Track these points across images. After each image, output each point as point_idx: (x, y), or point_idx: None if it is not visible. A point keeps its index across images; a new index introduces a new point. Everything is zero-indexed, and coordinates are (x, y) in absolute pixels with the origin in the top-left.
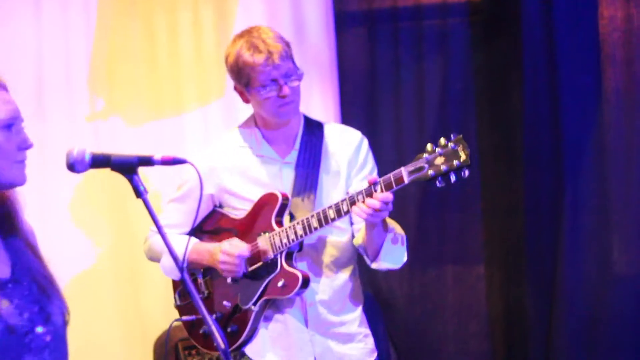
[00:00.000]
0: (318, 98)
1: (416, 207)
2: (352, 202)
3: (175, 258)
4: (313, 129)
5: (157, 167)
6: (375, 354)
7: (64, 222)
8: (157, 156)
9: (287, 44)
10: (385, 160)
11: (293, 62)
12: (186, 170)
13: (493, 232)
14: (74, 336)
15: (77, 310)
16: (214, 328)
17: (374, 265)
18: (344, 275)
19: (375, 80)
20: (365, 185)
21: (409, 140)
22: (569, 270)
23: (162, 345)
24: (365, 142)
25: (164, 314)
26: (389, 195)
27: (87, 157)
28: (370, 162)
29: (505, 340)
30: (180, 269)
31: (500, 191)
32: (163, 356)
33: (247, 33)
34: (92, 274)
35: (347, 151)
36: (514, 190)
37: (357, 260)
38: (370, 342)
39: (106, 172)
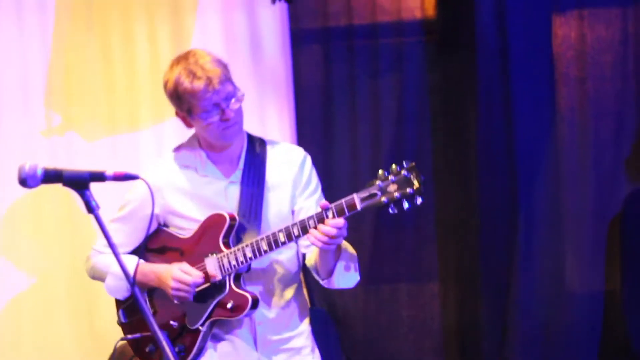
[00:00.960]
0: (274, 115)
1: (370, 225)
2: (303, 227)
3: (126, 274)
4: (256, 147)
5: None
6: None
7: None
8: (109, 172)
9: (225, 67)
10: (340, 177)
11: (232, 84)
12: (129, 189)
13: (447, 249)
14: (27, 348)
15: (31, 324)
16: (164, 344)
17: (325, 285)
18: (291, 291)
19: (331, 97)
20: (316, 209)
21: (365, 157)
22: (523, 286)
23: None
24: (309, 159)
25: (118, 330)
26: (340, 221)
27: (39, 172)
28: (315, 179)
29: (459, 356)
30: (131, 284)
31: (455, 208)
32: None
33: (183, 59)
34: (45, 290)
35: (291, 169)
36: (468, 206)
37: (306, 277)
38: (317, 356)
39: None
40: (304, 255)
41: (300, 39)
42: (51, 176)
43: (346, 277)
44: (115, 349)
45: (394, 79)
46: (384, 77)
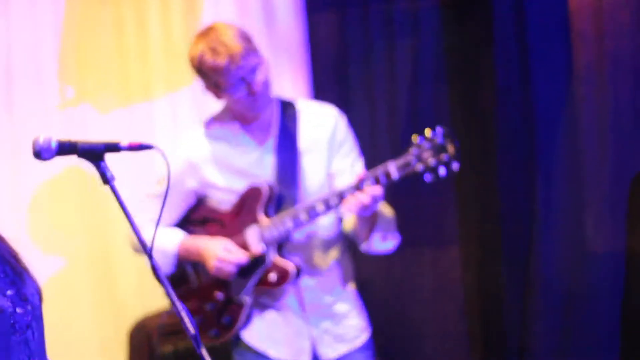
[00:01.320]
0: (289, 82)
1: (390, 189)
2: (341, 197)
3: (143, 244)
4: (288, 113)
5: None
6: (369, 331)
7: (38, 213)
8: (124, 142)
9: (247, 39)
10: (358, 141)
11: (256, 55)
12: (167, 163)
13: (468, 213)
14: (48, 324)
15: (50, 298)
16: (184, 314)
17: (364, 248)
18: (334, 254)
19: (347, 63)
20: (352, 170)
21: (382, 122)
22: (543, 249)
23: (137, 333)
24: (342, 120)
25: (138, 304)
26: (377, 190)
27: (54, 145)
28: (349, 139)
29: (481, 320)
30: (149, 255)
31: (474, 171)
32: (138, 343)
33: (205, 36)
34: (66, 266)
35: (324, 131)
36: (487, 169)
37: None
38: (363, 317)
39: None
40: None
41: (315, 5)
42: (66, 148)
43: (383, 244)
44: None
45: (409, 44)
46: (399, 42)
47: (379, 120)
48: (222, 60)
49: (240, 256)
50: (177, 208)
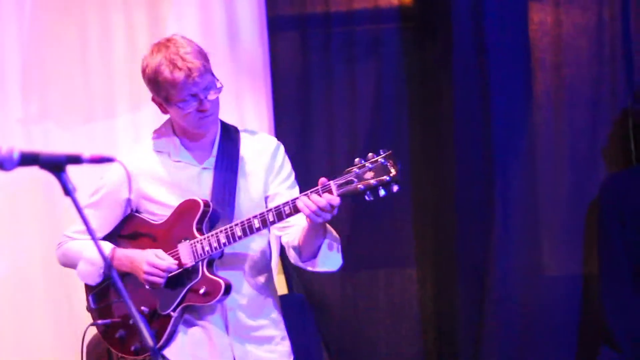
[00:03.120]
0: (251, 102)
1: (347, 210)
2: (278, 213)
3: (104, 257)
4: (230, 135)
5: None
6: (292, 358)
7: None
8: (86, 154)
9: (205, 57)
10: (317, 163)
11: (212, 74)
12: (103, 175)
13: (424, 234)
14: (3, 334)
15: (8, 310)
16: (142, 326)
17: (309, 267)
18: (262, 278)
19: (308, 84)
20: (289, 195)
21: (342, 144)
22: (500, 268)
23: (95, 346)
24: (282, 147)
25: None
26: (334, 198)
27: (16, 155)
28: (288, 166)
29: (436, 339)
30: (108, 267)
31: (431, 193)
32: (96, 357)
33: (164, 47)
34: (23, 274)
35: (264, 158)
36: (444, 192)
37: (285, 263)
38: (286, 344)
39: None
40: (279, 237)
41: (278, 25)
42: (28, 158)
43: (330, 259)
44: (84, 335)
45: (371, 66)
46: (361, 64)
47: (338, 142)
48: (179, 75)
49: (171, 261)
50: (110, 219)
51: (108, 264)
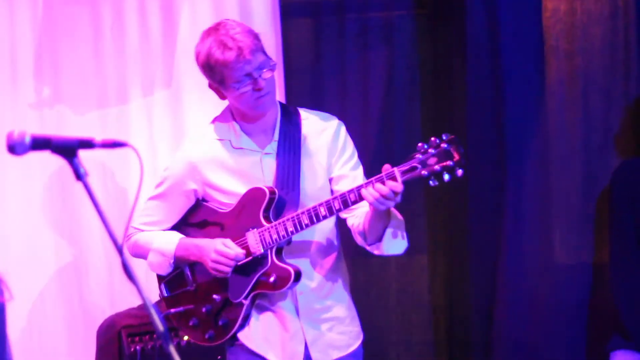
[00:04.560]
0: None
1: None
2: (344, 200)
3: (118, 248)
4: (290, 118)
5: None
6: (361, 338)
7: (5, 212)
8: (98, 139)
9: (256, 37)
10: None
11: (264, 53)
12: (168, 165)
13: (436, 222)
14: (16, 323)
15: (19, 296)
16: (152, 311)
17: (375, 251)
18: (331, 260)
19: (321, 71)
20: (352, 176)
21: (355, 130)
22: (511, 259)
23: (105, 331)
24: (343, 127)
25: (107, 303)
26: (398, 185)
27: (28, 139)
28: (350, 146)
29: (447, 329)
30: (119, 251)
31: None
32: (106, 342)
33: (214, 30)
34: (35, 264)
35: (325, 138)
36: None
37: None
38: (356, 324)
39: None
40: (345, 220)
41: (290, 12)
42: (39, 143)
43: (395, 244)
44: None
45: (383, 53)
46: (374, 51)
47: (351, 129)
48: (230, 54)
49: (238, 251)
50: (177, 209)
51: (119, 247)
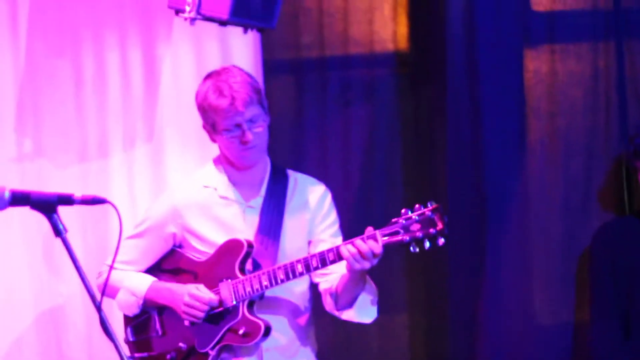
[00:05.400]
0: None
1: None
2: (322, 259)
3: (89, 290)
4: (279, 176)
5: None
6: None
7: None
8: (77, 195)
9: (255, 89)
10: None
11: (261, 106)
12: (150, 206)
13: (416, 281)
14: None
15: None
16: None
17: (344, 316)
18: (301, 321)
19: (303, 127)
20: (333, 242)
21: (336, 189)
22: (491, 318)
23: None
24: (329, 195)
25: (85, 357)
26: (377, 246)
27: (7, 195)
28: (333, 214)
29: None
30: (97, 308)
31: None
32: None
33: (216, 74)
34: (13, 314)
35: (311, 202)
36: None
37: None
38: None
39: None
40: (317, 284)
41: (273, 69)
42: (18, 198)
43: (367, 311)
44: None
45: (365, 110)
46: (355, 108)
47: (332, 186)
48: (223, 102)
49: (212, 296)
50: (153, 251)
51: (98, 304)
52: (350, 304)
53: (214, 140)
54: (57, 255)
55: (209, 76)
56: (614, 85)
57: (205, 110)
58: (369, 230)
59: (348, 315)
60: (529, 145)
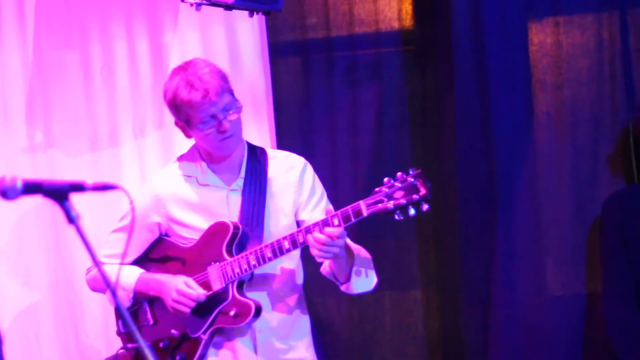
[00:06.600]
0: (254, 128)
1: (351, 234)
2: (308, 233)
3: (107, 282)
4: (257, 156)
5: None
6: None
7: (1, 255)
8: (89, 182)
9: (224, 78)
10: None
11: (231, 95)
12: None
13: (428, 256)
14: None
15: (15, 338)
16: (147, 352)
17: (345, 290)
18: (292, 300)
19: (310, 109)
20: (322, 215)
21: (344, 168)
22: (503, 292)
23: None
24: (309, 167)
25: (102, 345)
26: (335, 231)
27: (19, 184)
28: (318, 188)
29: None
30: (112, 293)
31: (435, 216)
32: None
33: (182, 70)
34: (31, 307)
35: (292, 177)
36: (447, 214)
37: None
38: None
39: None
40: (319, 265)
41: (279, 51)
42: (31, 187)
43: (363, 282)
44: (117, 357)
45: (372, 90)
46: (362, 88)
47: (341, 166)
48: (196, 95)
49: (200, 292)
50: (139, 243)
51: (112, 289)
52: (347, 279)
53: (189, 136)
54: (70, 242)
55: (175, 72)
56: (618, 55)
57: (178, 106)
58: (329, 211)
59: (348, 290)
60: (536, 118)
